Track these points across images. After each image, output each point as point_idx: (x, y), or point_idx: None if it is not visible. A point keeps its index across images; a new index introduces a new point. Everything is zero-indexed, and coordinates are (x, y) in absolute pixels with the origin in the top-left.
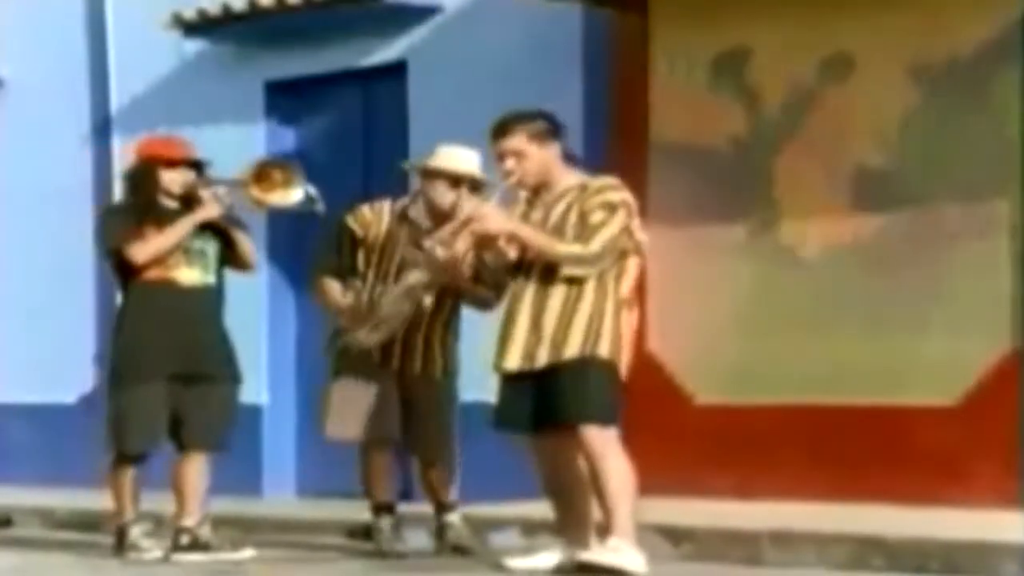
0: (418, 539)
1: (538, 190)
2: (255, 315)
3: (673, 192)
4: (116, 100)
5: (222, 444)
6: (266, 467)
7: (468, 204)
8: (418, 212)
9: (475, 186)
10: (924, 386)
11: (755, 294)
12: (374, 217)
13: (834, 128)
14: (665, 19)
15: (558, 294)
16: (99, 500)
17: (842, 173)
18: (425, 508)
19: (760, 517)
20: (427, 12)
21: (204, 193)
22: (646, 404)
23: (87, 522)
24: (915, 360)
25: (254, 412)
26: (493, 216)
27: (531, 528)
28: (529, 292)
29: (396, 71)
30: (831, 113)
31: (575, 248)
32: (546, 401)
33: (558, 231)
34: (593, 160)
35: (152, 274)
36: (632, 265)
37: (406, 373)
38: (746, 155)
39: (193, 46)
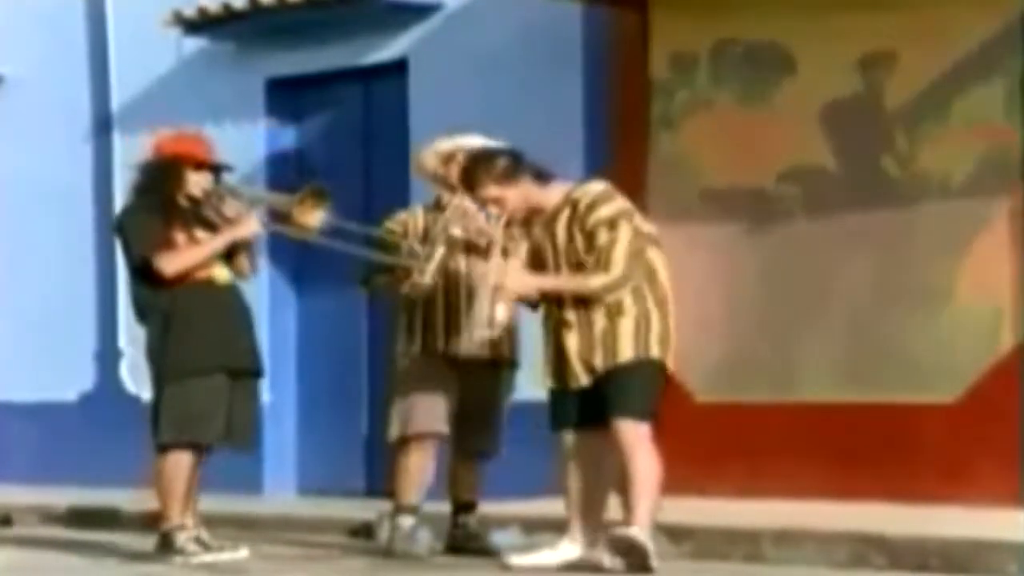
0: (423, 538)
1: (531, 217)
2: (255, 313)
3: (673, 190)
4: (116, 98)
5: (254, 443)
6: (267, 465)
7: (479, 269)
8: (449, 198)
9: None
10: (925, 384)
11: (755, 292)
12: (409, 216)
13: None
14: (665, 16)
15: (600, 314)
16: (98, 498)
17: (840, 167)
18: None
19: (761, 516)
20: (428, 10)
21: (242, 209)
22: None
23: (87, 521)
24: (916, 358)
25: None
26: (516, 280)
27: (532, 526)
28: (572, 316)
29: (397, 69)
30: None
31: (602, 280)
32: (593, 399)
33: (569, 255)
34: (593, 159)
35: (197, 273)
36: (655, 257)
37: (472, 362)
38: (746, 153)
39: (193, 44)
